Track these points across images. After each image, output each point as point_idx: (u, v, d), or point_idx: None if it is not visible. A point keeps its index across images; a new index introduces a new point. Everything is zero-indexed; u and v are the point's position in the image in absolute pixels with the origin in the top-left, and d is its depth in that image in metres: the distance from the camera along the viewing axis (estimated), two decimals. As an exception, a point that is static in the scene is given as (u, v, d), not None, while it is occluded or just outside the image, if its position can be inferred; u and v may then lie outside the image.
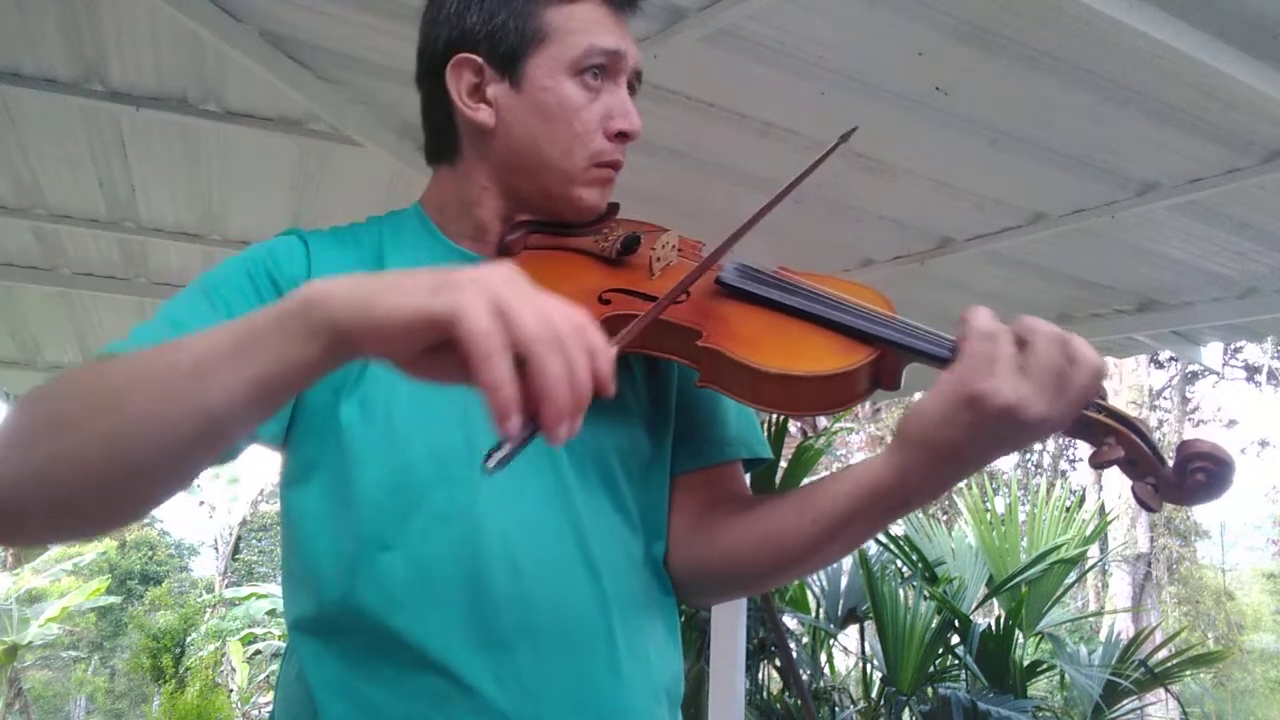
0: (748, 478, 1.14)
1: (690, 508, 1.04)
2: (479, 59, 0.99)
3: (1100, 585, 14.52)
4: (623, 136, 1.01)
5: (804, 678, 4.86)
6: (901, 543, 5.16)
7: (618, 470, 0.99)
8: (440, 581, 0.88)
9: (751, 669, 4.92)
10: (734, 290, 0.95)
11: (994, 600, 5.21)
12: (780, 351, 0.88)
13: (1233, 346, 14.31)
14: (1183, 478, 0.81)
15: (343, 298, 0.64)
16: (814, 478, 5.16)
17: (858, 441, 15.25)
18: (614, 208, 1.07)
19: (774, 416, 4.85)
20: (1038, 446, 16.87)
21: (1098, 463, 0.83)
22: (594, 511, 0.95)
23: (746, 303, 0.95)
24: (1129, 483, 0.83)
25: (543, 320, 0.61)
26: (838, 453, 14.11)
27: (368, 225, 1.07)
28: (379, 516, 0.90)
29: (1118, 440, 0.82)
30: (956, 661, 5.03)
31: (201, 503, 17.64)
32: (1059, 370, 0.78)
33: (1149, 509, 0.83)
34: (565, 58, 0.98)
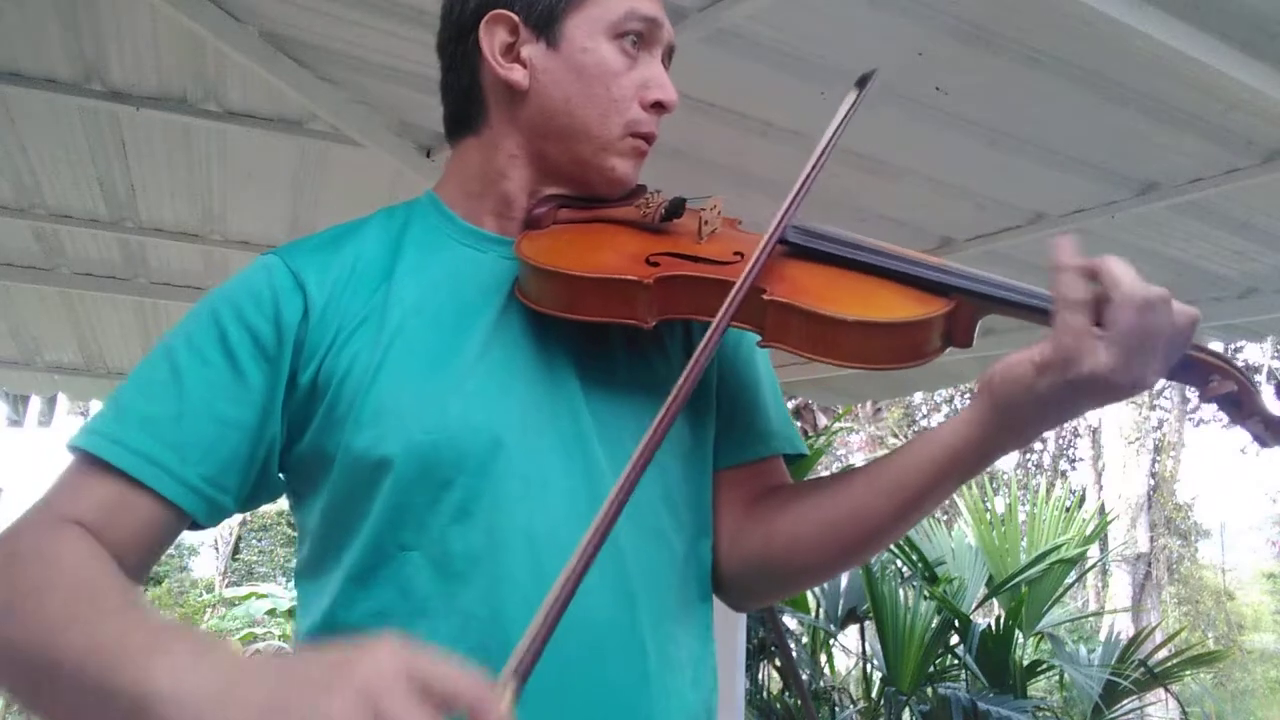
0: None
1: (736, 503, 1.00)
2: (514, 17, 0.95)
3: (1100, 585, 14.51)
4: (659, 108, 0.98)
5: (804, 678, 4.86)
6: (901, 543, 5.16)
7: (664, 458, 0.93)
8: (461, 583, 0.84)
9: (751, 669, 4.92)
10: (794, 248, 0.92)
11: (994, 600, 5.21)
12: (854, 302, 0.84)
13: (1233, 346, 14.30)
14: None
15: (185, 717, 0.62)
16: (813, 477, 5.14)
17: (858, 441, 15.23)
18: (643, 187, 1.03)
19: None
20: (1038, 446, 16.88)
21: (1208, 397, 0.83)
22: (632, 505, 0.88)
23: (808, 260, 0.91)
24: (1239, 422, 0.84)
25: None
26: (838, 452, 14.10)
27: (378, 218, 1.02)
28: (397, 515, 0.85)
29: (1224, 377, 0.81)
30: (956, 661, 5.02)
31: (202, 502, 17.56)
32: (1164, 337, 0.76)
33: (1265, 445, 0.84)
34: (605, 19, 0.95)
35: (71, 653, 0.69)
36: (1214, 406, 0.84)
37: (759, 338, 0.87)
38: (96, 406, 5.38)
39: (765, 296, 0.85)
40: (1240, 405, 0.82)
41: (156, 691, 0.63)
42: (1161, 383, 0.82)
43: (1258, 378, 0.83)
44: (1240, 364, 0.84)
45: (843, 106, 0.99)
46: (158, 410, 0.85)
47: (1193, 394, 0.84)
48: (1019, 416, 0.81)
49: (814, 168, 0.94)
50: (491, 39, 0.96)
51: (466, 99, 1.00)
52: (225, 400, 0.87)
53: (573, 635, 0.83)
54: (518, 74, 0.96)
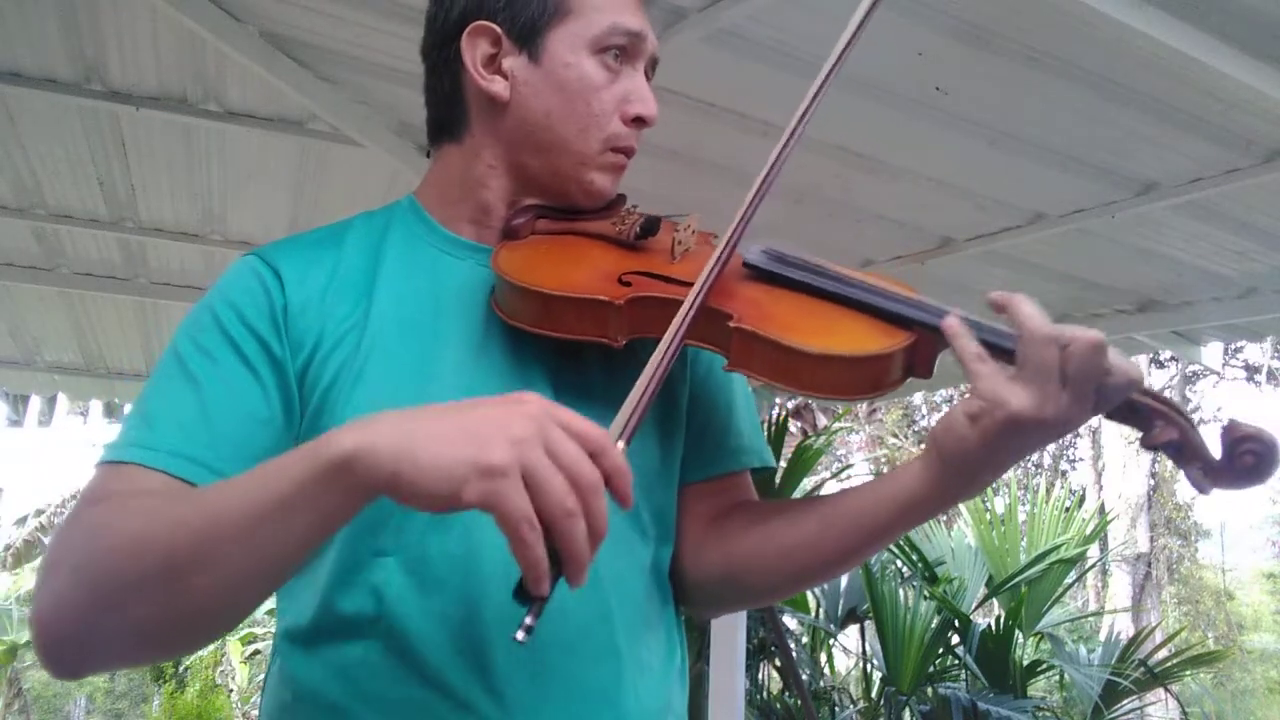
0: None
1: (701, 516, 1.01)
2: (497, 29, 0.95)
3: (1100, 585, 14.51)
4: (639, 122, 0.98)
5: (804, 678, 4.86)
6: (901, 543, 5.16)
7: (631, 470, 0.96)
8: (437, 588, 0.84)
9: (751, 669, 4.92)
10: (762, 273, 0.93)
11: (994, 600, 5.21)
12: (817, 332, 0.85)
13: (1233, 346, 14.30)
14: (1231, 460, 0.81)
15: (385, 452, 0.65)
16: (813, 477, 5.16)
17: (858, 441, 15.24)
18: (622, 198, 1.04)
19: (774, 416, 4.85)
20: (1038, 446, 16.86)
21: (1149, 444, 0.83)
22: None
23: (776, 285, 0.92)
24: (1180, 467, 0.84)
25: (570, 482, 0.65)
26: (838, 452, 14.11)
27: (358, 221, 1.02)
28: (373, 520, 0.84)
29: (1167, 423, 0.82)
30: (956, 661, 5.03)
31: (201, 503, 17.58)
32: (1097, 384, 0.77)
33: (1202, 491, 0.84)
34: (587, 34, 0.95)
35: (222, 502, 0.71)
36: (1158, 451, 0.84)
37: (725, 361, 0.89)
38: (97, 406, 5.38)
39: (731, 324, 0.86)
40: (1182, 451, 0.83)
41: (348, 450, 0.66)
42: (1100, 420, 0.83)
43: (1258, 377, 0.82)
44: (1185, 408, 0.84)
45: (858, 11, 0.98)
46: (184, 414, 0.84)
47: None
48: (965, 465, 0.82)
49: (807, 108, 0.93)
50: (473, 50, 0.96)
51: (448, 106, 1.01)
52: (244, 397, 0.86)
53: (550, 641, 0.85)
54: (499, 86, 0.96)
